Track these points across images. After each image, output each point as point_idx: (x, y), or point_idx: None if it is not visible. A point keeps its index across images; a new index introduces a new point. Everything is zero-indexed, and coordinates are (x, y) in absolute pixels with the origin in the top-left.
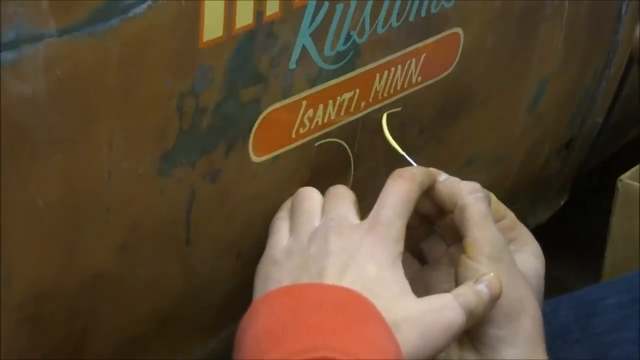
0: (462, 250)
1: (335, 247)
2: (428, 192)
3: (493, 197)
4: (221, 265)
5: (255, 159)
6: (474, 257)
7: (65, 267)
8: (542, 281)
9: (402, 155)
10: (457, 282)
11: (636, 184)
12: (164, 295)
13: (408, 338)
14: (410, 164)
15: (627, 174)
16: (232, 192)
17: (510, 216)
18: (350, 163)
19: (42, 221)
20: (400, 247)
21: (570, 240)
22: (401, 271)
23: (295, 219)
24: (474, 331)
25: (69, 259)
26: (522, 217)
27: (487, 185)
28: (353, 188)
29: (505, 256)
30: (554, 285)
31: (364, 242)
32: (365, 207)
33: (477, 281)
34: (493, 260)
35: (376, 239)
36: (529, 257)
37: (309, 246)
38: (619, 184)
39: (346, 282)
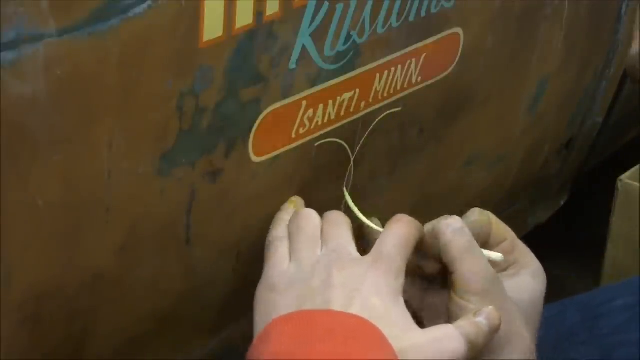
0: (450, 286)
1: (338, 281)
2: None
3: (493, 217)
4: (221, 265)
5: (255, 159)
6: (461, 295)
7: (65, 267)
8: (539, 304)
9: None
10: (450, 319)
11: (636, 184)
12: (164, 295)
13: None
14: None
15: (627, 174)
16: (232, 192)
17: (511, 237)
18: (350, 163)
19: (42, 221)
20: (400, 282)
21: (570, 240)
22: (403, 305)
23: (295, 242)
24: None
25: (69, 259)
26: (522, 217)
27: (487, 185)
28: (353, 188)
29: (492, 288)
30: (554, 285)
31: (368, 275)
32: (365, 207)
33: (476, 314)
34: (480, 296)
35: (379, 273)
36: (527, 280)
37: (311, 277)
38: (619, 184)
39: (353, 312)
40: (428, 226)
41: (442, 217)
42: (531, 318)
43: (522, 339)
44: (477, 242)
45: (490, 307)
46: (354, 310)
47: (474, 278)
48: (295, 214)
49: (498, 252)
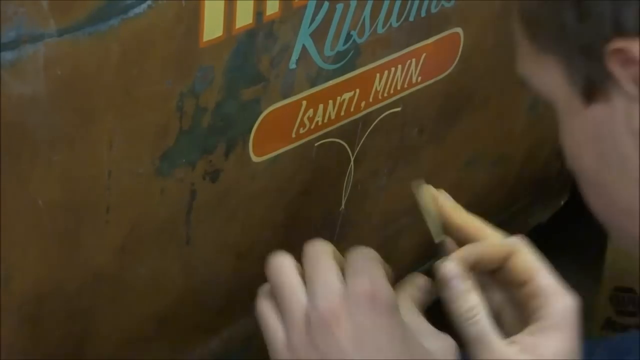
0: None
1: (341, 341)
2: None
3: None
4: (221, 265)
5: (255, 159)
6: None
7: (65, 267)
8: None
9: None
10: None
11: None
12: (164, 295)
13: None
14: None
15: None
16: (232, 192)
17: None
18: (350, 163)
19: (42, 221)
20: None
21: (570, 240)
22: (417, 325)
23: (279, 299)
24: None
25: (69, 259)
26: (522, 217)
27: (487, 185)
28: (353, 188)
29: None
30: None
31: (367, 325)
32: (365, 207)
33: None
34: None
35: (376, 313)
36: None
37: (311, 340)
38: None
39: None
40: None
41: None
42: None
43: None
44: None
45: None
46: None
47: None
48: (267, 267)
49: (519, 294)
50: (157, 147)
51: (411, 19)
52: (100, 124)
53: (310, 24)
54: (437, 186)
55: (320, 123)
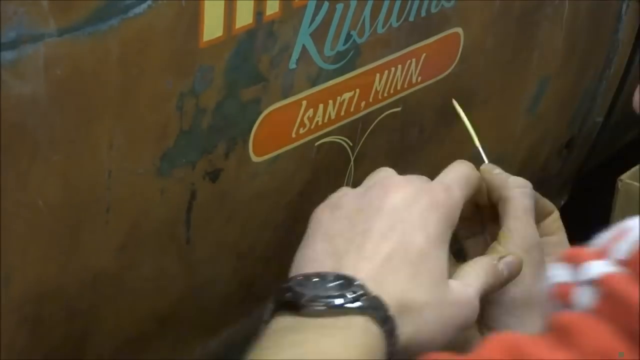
0: (497, 238)
1: (389, 204)
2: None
3: (556, 213)
4: (221, 265)
5: (255, 159)
6: (504, 245)
7: (65, 267)
8: None
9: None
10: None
11: (636, 184)
12: (164, 295)
13: (425, 326)
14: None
15: (627, 174)
16: (232, 192)
17: (560, 236)
18: (350, 163)
19: (42, 221)
20: (455, 220)
21: (570, 240)
22: (446, 249)
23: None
24: (482, 315)
25: (69, 259)
26: None
27: None
28: (353, 188)
29: (534, 252)
30: None
31: (420, 205)
32: None
33: (500, 260)
34: (521, 251)
35: (433, 203)
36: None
37: (367, 193)
38: (619, 184)
39: (386, 247)
40: (496, 170)
41: (508, 174)
42: None
43: (543, 311)
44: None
45: (514, 256)
46: (388, 245)
47: (524, 236)
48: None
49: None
50: (157, 147)
51: (411, 19)
52: (100, 124)
53: (310, 24)
54: None
55: (320, 123)
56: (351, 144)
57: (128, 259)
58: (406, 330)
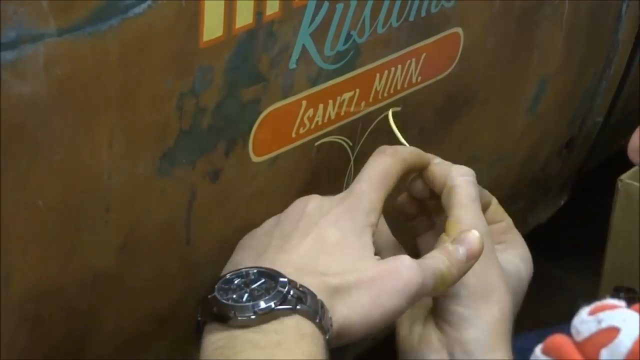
0: (444, 229)
1: (306, 213)
2: (422, 175)
3: (494, 200)
4: (221, 265)
5: (255, 159)
6: (451, 235)
7: (65, 267)
8: (522, 285)
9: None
10: None
11: (636, 184)
12: (164, 295)
13: (358, 302)
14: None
15: (627, 174)
16: (232, 192)
17: (507, 221)
18: (350, 163)
19: (42, 221)
20: (371, 218)
21: (570, 240)
22: (367, 239)
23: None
24: (438, 308)
25: (69, 259)
26: (522, 217)
27: (488, 185)
28: None
29: (485, 241)
30: (554, 285)
31: (333, 210)
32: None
33: (454, 241)
34: None
35: (344, 209)
36: (515, 259)
37: (286, 210)
38: (619, 184)
39: (304, 244)
40: (436, 160)
41: (450, 163)
42: (514, 290)
43: (500, 299)
44: None
45: (473, 231)
46: (308, 240)
47: (472, 225)
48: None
49: (493, 231)
50: (157, 147)
51: (411, 19)
52: (100, 124)
53: (310, 24)
54: None
55: (320, 123)
56: (351, 144)
57: (128, 259)
58: (339, 310)
